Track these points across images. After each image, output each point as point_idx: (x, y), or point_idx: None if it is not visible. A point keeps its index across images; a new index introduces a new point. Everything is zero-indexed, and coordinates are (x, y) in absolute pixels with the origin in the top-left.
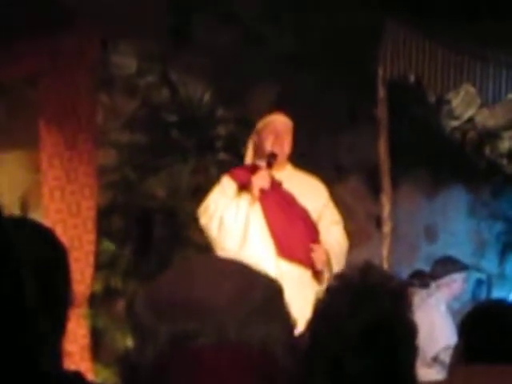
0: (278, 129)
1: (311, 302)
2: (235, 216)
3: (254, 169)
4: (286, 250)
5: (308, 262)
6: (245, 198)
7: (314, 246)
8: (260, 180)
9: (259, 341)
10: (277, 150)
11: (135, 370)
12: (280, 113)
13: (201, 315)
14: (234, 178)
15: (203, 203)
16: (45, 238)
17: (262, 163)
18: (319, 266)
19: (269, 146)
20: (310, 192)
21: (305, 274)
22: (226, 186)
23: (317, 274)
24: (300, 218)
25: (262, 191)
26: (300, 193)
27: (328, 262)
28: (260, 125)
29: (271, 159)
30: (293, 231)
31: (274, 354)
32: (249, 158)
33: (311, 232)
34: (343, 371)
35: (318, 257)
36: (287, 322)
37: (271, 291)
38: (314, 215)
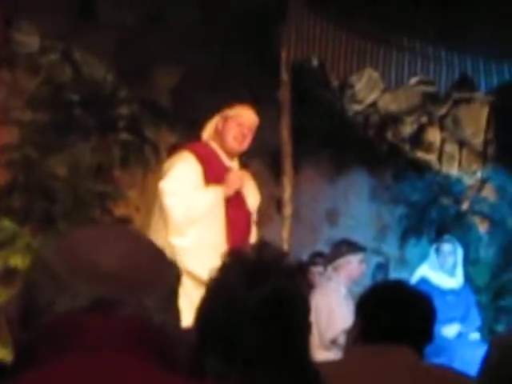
0: (245, 124)
1: None
2: (203, 209)
3: (222, 167)
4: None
5: None
6: (216, 191)
7: None
8: (237, 181)
9: (166, 323)
10: (235, 146)
11: (31, 314)
12: (248, 107)
13: (123, 286)
14: (206, 170)
15: (169, 181)
16: None
17: (233, 164)
18: None
19: (230, 139)
20: (251, 189)
21: None
22: (194, 171)
23: None
24: (246, 218)
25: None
26: (246, 190)
27: None
28: (230, 112)
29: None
30: (242, 231)
31: (172, 338)
32: (205, 135)
33: (249, 233)
34: (237, 347)
35: None
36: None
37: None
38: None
